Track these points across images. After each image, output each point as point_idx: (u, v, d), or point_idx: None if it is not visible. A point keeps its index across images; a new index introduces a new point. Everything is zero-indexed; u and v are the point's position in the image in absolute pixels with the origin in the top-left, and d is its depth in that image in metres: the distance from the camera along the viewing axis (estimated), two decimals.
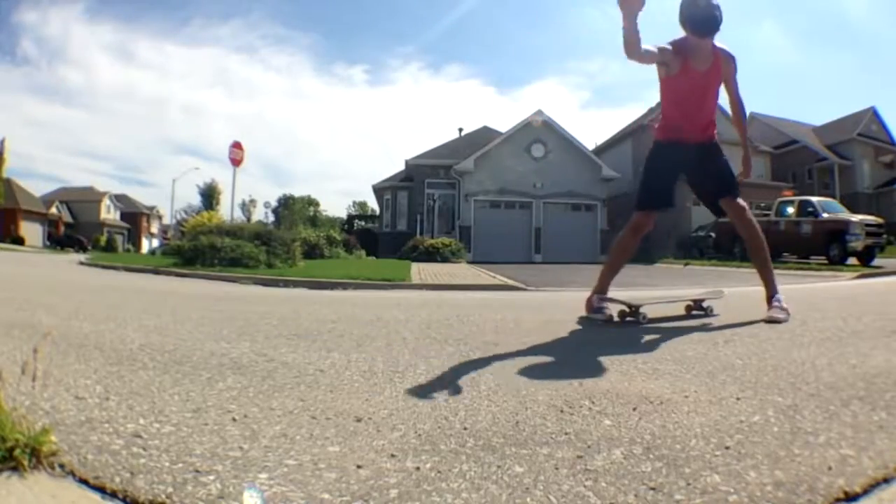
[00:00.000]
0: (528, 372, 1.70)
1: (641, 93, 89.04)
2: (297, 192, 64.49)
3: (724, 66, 2.72)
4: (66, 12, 65.93)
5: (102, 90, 77.71)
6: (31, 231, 36.28)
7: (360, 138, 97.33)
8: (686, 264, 13.40)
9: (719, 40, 2.67)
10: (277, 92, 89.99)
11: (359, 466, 0.97)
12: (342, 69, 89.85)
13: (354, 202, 60.19)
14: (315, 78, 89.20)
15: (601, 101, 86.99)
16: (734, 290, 5.97)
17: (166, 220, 46.45)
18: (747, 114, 2.45)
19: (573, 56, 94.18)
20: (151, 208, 51.89)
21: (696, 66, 2.65)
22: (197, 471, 0.94)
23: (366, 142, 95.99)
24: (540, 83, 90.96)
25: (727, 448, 1.05)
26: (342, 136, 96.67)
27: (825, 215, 12.27)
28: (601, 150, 25.01)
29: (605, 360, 1.85)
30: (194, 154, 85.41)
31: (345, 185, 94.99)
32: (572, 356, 1.94)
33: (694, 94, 2.73)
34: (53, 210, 40.53)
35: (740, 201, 2.82)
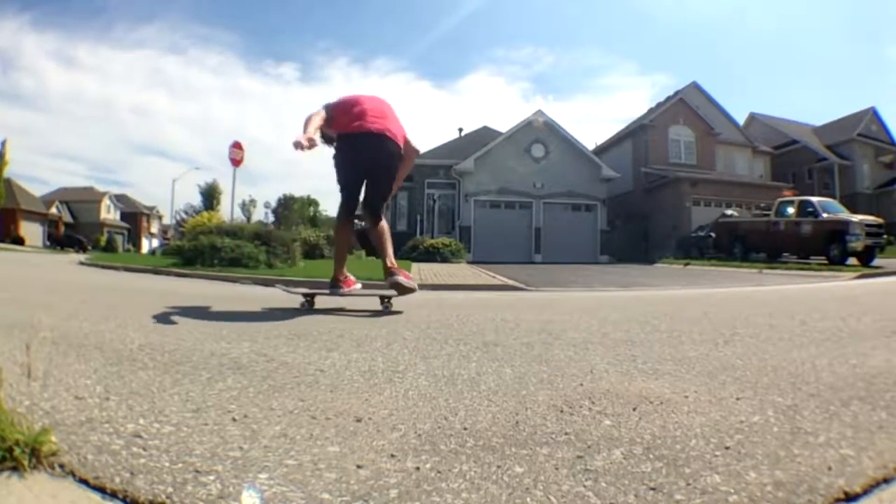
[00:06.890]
0: (528, 372, 1.70)
1: (586, 83, 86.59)
2: (268, 190, 64.57)
3: None
4: (13, 23, 68.15)
5: (54, 94, 79.82)
6: (31, 231, 36.29)
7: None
8: (686, 264, 13.39)
9: None
10: (217, 91, 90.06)
11: (359, 466, 0.97)
12: (272, 67, 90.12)
13: None
14: (249, 77, 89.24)
15: (546, 93, 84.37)
16: (728, 290, 5.97)
17: (166, 221, 46.50)
18: None
19: (497, 43, 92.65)
20: (151, 208, 51.94)
21: None
22: (197, 471, 0.94)
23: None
24: (474, 75, 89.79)
25: (727, 448, 1.05)
26: (290, 135, 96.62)
27: (825, 215, 12.27)
28: (601, 150, 25.03)
29: (611, 362, 1.86)
30: (160, 154, 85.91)
31: (312, 184, 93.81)
32: (576, 356, 1.94)
33: None
34: (53, 210, 40.54)
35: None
